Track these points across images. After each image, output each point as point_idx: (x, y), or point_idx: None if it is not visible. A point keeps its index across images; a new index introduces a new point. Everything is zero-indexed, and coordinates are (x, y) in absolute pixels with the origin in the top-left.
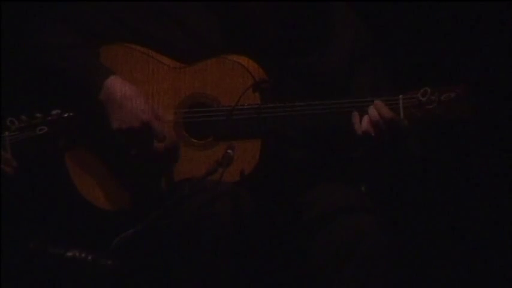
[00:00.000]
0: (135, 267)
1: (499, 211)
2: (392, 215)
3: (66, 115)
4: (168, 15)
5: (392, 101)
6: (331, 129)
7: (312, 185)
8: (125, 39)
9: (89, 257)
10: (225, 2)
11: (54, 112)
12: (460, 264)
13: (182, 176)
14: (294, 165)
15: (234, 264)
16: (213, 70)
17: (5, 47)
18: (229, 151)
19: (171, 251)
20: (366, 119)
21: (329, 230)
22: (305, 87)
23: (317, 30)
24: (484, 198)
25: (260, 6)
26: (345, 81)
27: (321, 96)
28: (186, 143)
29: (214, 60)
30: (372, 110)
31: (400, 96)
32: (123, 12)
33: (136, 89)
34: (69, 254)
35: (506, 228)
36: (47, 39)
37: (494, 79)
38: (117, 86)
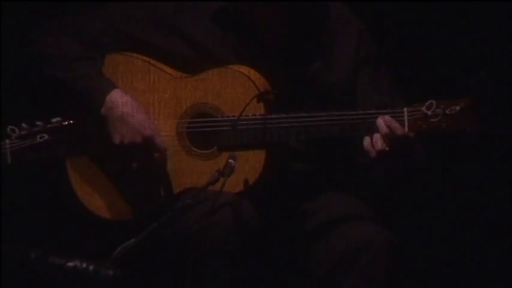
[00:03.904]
0: (136, 277)
1: (503, 220)
2: (394, 222)
3: (66, 123)
4: (171, 26)
5: (397, 114)
6: (335, 140)
7: (314, 194)
8: (128, 49)
9: (90, 267)
10: (229, 13)
11: (54, 120)
12: (462, 272)
13: (185, 185)
14: (298, 175)
15: (235, 274)
16: (215, 80)
17: (8, 55)
18: (230, 161)
19: (173, 261)
20: (377, 137)
21: (331, 239)
22: (310, 96)
23: (320, 39)
24: (487, 208)
25: (264, 17)
26: (349, 88)
27: (327, 105)
28: (189, 153)
29: (216, 70)
30: (379, 123)
31: (405, 108)
32: (128, 23)
33: (138, 104)
34: (70, 264)
35: (508, 237)
36: (51, 50)
37: (500, 92)
38: (118, 101)
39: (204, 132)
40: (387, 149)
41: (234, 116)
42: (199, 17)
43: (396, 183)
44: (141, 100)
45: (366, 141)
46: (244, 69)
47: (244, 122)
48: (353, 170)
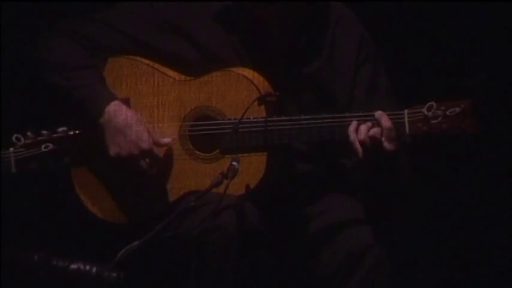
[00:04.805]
0: (139, 280)
1: (503, 221)
2: (395, 224)
3: (72, 133)
4: (174, 27)
5: (398, 115)
6: (336, 142)
7: (317, 196)
8: (132, 51)
9: (93, 270)
10: (231, 13)
11: (60, 129)
12: (462, 273)
13: (188, 188)
14: (300, 177)
15: (239, 277)
16: (218, 83)
17: (11, 58)
18: (234, 163)
19: (176, 263)
20: (364, 129)
21: (334, 242)
22: (310, 96)
23: (321, 40)
24: (488, 209)
25: (266, 17)
26: (350, 89)
27: (328, 106)
28: (191, 156)
29: (219, 72)
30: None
31: (405, 110)
32: (131, 25)
33: (137, 116)
34: (74, 266)
35: (508, 237)
36: (53, 57)
37: (500, 93)
38: (117, 112)
39: (207, 135)
40: (369, 146)
41: (235, 119)
42: (202, 17)
43: (376, 185)
44: (145, 103)
45: (353, 125)
46: (248, 73)
47: (246, 125)
48: (353, 170)
